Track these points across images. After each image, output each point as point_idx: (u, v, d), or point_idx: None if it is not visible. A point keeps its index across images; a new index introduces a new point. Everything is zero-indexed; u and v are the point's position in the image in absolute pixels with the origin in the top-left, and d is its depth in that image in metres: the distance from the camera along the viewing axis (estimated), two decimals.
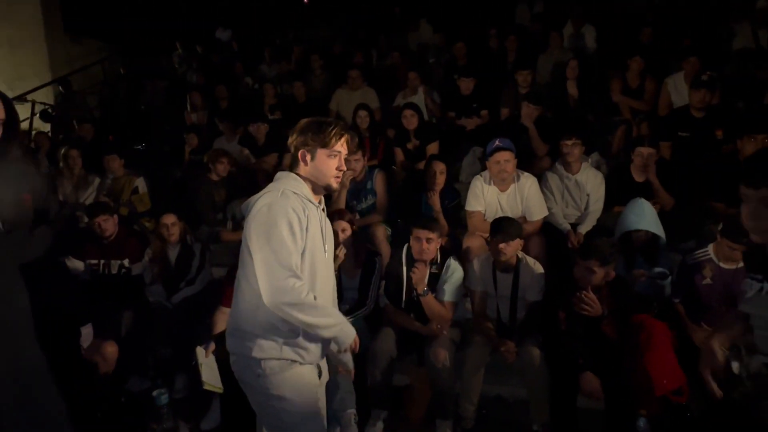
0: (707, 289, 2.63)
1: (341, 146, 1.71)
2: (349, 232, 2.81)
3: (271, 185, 1.72)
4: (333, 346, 1.79)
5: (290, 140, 1.74)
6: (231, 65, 7.13)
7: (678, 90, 4.24)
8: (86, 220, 3.63)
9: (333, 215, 2.39)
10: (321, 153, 1.68)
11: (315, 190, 1.73)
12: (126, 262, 3.51)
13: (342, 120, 5.09)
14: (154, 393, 2.93)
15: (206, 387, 2.64)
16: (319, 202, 1.76)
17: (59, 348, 1.89)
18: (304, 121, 1.74)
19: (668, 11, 5.95)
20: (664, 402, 2.35)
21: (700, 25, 5.50)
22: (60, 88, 7.22)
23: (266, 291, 1.57)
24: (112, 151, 4.73)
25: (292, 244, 1.59)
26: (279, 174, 1.75)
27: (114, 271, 3.49)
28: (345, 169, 1.76)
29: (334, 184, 1.73)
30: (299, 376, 1.70)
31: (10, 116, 1.68)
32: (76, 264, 3.47)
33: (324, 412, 1.84)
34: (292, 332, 1.66)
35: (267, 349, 1.66)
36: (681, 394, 2.36)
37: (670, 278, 2.76)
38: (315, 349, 1.72)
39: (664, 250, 2.89)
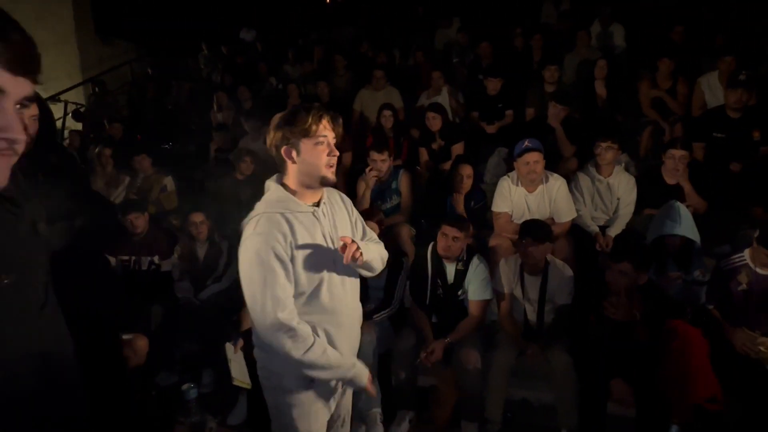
0: (743, 295, 2.55)
1: (325, 129, 1.50)
2: (377, 233, 2.81)
3: (258, 203, 1.56)
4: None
5: (268, 141, 1.54)
6: (255, 66, 7.21)
7: (712, 90, 4.12)
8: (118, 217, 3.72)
9: (362, 215, 2.36)
10: (305, 143, 1.49)
11: (309, 187, 1.54)
12: (156, 258, 3.59)
13: (366, 119, 5.18)
14: (183, 387, 2.96)
15: (235, 383, 2.68)
16: (320, 201, 1.58)
17: (100, 341, 1.93)
18: (276, 116, 1.55)
19: (700, 8, 5.78)
20: (698, 410, 2.29)
21: (734, 22, 5.34)
22: (95, 88, 7.43)
23: (258, 324, 1.49)
24: (141, 151, 4.84)
25: (278, 286, 1.45)
26: (266, 186, 1.58)
27: (144, 267, 3.56)
28: (337, 154, 1.54)
29: (330, 175, 1.53)
30: (314, 397, 1.61)
31: (44, 112, 1.71)
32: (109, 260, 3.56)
33: (343, 420, 1.79)
34: None
35: (284, 364, 1.56)
36: (715, 402, 2.29)
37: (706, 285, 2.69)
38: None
39: (699, 255, 2.81)
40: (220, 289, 3.54)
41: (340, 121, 1.55)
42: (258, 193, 1.64)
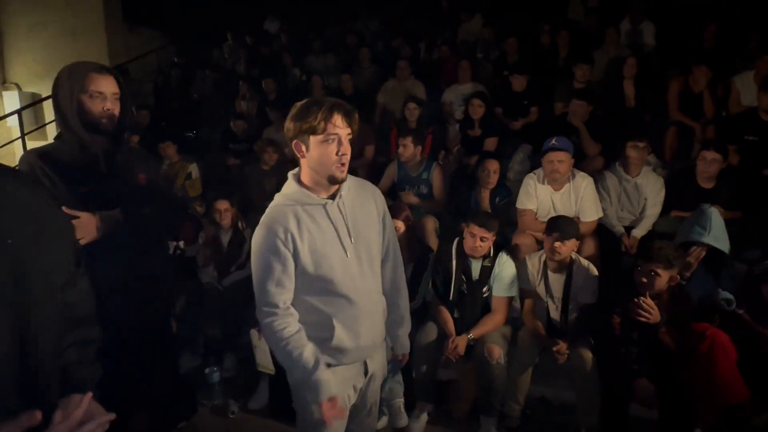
0: None
1: (336, 127, 1.45)
2: (402, 230, 2.83)
3: (276, 195, 1.59)
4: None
5: (285, 130, 1.52)
6: (279, 57, 7.25)
7: (746, 89, 4.03)
8: None
9: (392, 207, 2.36)
10: (314, 140, 1.45)
11: (320, 183, 1.52)
12: (181, 243, 3.66)
13: (390, 112, 5.19)
14: (207, 371, 3.05)
15: (260, 368, 2.73)
16: (335, 193, 1.55)
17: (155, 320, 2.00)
18: (295, 105, 1.51)
19: (734, 6, 5.62)
20: (724, 415, 2.26)
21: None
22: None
23: (259, 315, 1.54)
24: (166, 138, 4.92)
25: (271, 280, 1.48)
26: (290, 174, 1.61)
27: (170, 251, 3.63)
28: (348, 152, 1.49)
29: (338, 173, 1.49)
30: (329, 384, 1.56)
31: (123, 92, 1.77)
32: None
33: (369, 410, 1.80)
34: (326, 340, 1.57)
35: None
36: (743, 408, 2.26)
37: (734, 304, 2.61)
38: (354, 350, 1.61)
39: (729, 263, 2.74)
40: (244, 276, 3.59)
41: (356, 116, 1.51)
42: (282, 183, 1.68)
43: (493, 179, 3.40)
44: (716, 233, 2.69)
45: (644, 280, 2.32)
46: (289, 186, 1.56)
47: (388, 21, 7.72)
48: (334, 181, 1.52)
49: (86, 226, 1.62)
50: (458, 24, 6.71)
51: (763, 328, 2.42)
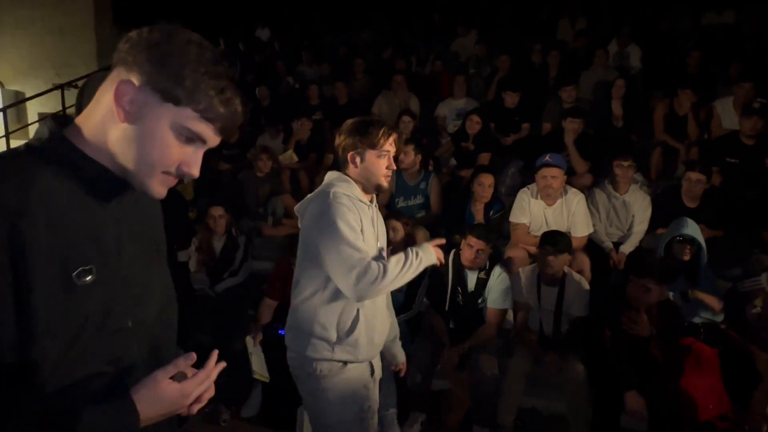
0: (757, 318, 2.61)
1: (390, 146, 1.69)
2: (401, 233, 2.87)
3: (321, 188, 1.72)
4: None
5: (337, 142, 1.73)
6: (272, 64, 7.27)
7: (726, 115, 4.21)
8: None
9: (388, 215, 2.43)
10: (370, 154, 1.67)
11: (366, 189, 1.73)
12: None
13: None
14: None
15: (255, 376, 2.72)
16: (371, 200, 1.76)
17: None
18: (350, 121, 1.73)
19: (716, 34, 5.89)
20: (708, 428, 2.34)
21: (748, 50, 5.44)
22: None
23: (350, 288, 1.58)
24: None
25: (355, 237, 1.61)
26: (329, 175, 1.75)
27: (175, 256, 3.59)
28: (395, 168, 1.75)
29: (385, 183, 1.73)
30: (348, 382, 1.70)
31: None
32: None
33: (373, 412, 1.83)
34: (347, 333, 1.67)
35: (320, 349, 1.67)
36: (727, 420, 2.35)
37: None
38: (367, 346, 1.72)
39: (707, 272, 2.86)
40: (236, 283, 3.58)
41: (404, 138, 1.71)
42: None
43: (488, 193, 3.47)
44: (695, 231, 2.82)
45: (638, 294, 2.40)
46: (351, 186, 1.70)
47: (380, 32, 7.83)
48: (380, 189, 1.75)
49: None
50: (451, 39, 6.85)
51: (747, 343, 2.52)
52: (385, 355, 2.02)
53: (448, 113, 5.14)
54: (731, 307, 2.69)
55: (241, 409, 2.95)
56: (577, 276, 2.81)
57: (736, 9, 5.99)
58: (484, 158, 4.20)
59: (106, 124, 0.80)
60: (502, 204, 3.61)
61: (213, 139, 0.82)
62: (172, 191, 2.10)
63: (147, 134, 0.78)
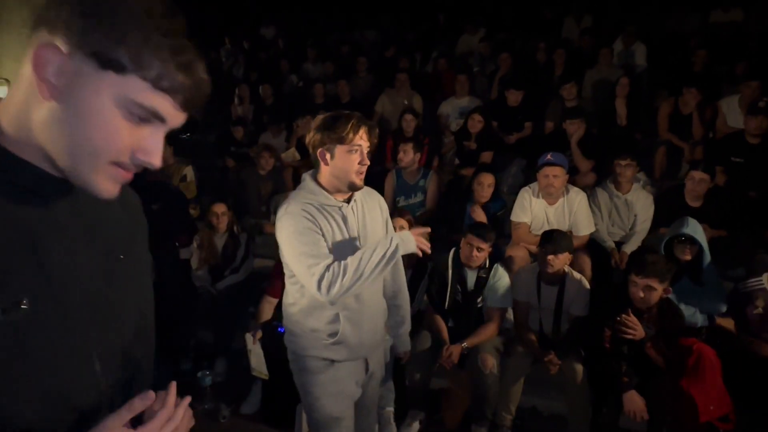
0: (759, 319, 2.59)
1: (361, 139, 1.61)
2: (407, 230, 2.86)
3: (292, 192, 1.70)
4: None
5: (307, 139, 1.67)
6: (277, 62, 7.28)
7: (731, 113, 4.17)
8: None
9: (393, 213, 2.42)
10: (340, 150, 1.59)
11: (338, 189, 1.65)
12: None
13: (386, 121, 5.25)
14: (199, 374, 3.00)
15: (254, 373, 2.73)
16: (349, 199, 1.68)
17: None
18: (319, 117, 1.66)
19: (723, 33, 5.83)
20: (709, 428, 2.32)
21: (756, 48, 5.38)
22: None
23: (318, 294, 1.55)
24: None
25: (310, 247, 1.55)
26: (302, 177, 1.72)
27: (177, 254, 3.61)
28: (368, 163, 1.64)
29: (358, 181, 1.63)
30: (338, 379, 1.70)
31: None
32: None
33: (368, 409, 1.88)
34: (332, 335, 1.67)
35: (308, 347, 1.70)
36: (728, 421, 2.33)
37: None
38: (357, 346, 1.72)
39: (712, 273, 2.83)
40: (237, 280, 3.59)
41: (377, 132, 1.68)
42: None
43: (488, 192, 3.46)
44: (698, 232, 2.78)
45: (641, 295, 2.38)
46: (309, 185, 1.66)
47: (384, 31, 7.82)
48: (353, 187, 1.64)
49: None
50: (455, 37, 6.83)
51: (751, 339, 2.50)
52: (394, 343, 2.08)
53: (451, 112, 5.13)
54: (733, 307, 2.67)
55: (241, 406, 2.96)
56: (577, 275, 2.79)
57: (744, 7, 5.92)
58: (487, 157, 4.19)
59: (29, 106, 0.61)
60: (503, 203, 3.60)
61: (174, 116, 0.65)
62: (171, 189, 2.10)
63: (84, 115, 0.60)
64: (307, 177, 1.69)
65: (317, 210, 1.61)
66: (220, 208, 3.62)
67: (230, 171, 5.00)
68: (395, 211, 2.86)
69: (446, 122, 5.13)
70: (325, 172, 1.65)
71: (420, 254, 1.64)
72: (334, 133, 1.59)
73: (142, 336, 0.78)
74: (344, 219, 1.65)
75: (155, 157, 0.65)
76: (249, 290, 3.58)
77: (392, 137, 4.67)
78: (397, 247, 1.56)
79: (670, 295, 2.54)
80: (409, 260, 2.94)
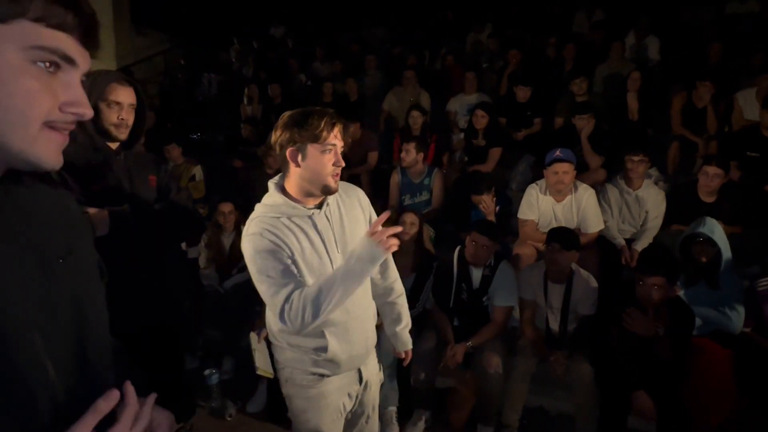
0: None
1: (335, 138, 1.44)
2: (416, 228, 2.84)
3: (257, 205, 1.54)
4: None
5: (273, 138, 1.47)
6: (285, 62, 7.31)
7: (748, 106, 4.06)
8: None
9: (402, 210, 2.37)
10: (312, 149, 1.42)
11: (310, 193, 1.47)
12: (183, 245, 3.67)
13: (394, 119, 5.23)
14: (206, 372, 3.06)
15: (259, 372, 2.73)
16: (320, 204, 1.51)
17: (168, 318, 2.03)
18: (286, 114, 1.47)
19: (738, 25, 5.68)
20: (720, 429, 2.26)
21: None
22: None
23: (282, 326, 1.41)
24: (171, 140, 4.95)
25: (272, 267, 1.41)
26: (268, 185, 1.55)
27: (183, 254, 3.65)
28: (343, 164, 1.48)
29: (333, 183, 1.46)
30: (323, 396, 1.59)
31: (141, 103, 1.82)
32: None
33: (368, 416, 1.77)
34: (320, 352, 1.55)
35: (294, 360, 1.59)
36: (739, 422, 2.27)
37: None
38: (347, 361, 1.60)
39: (731, 275, 2.73)
40: (244, 279, 3.59)
41: (351, 130, 1.55)
42: None
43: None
44: (718, 234, 2.68)
45: (648, 293, 2.33)
46: (273, 196, 1.49)
47: (393, 29, 7.80)
48: (328, 191, 1.47)
49: (96, 221, 1.65)
50: (464, 34, 6.78)
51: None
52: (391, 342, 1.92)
53: (459, 108, 5.09)
54: (750, 306, 2.59)
55: (247, 404, 2.97)
56: (584, 273, 2.74)
57: None
58: (496, 152, 4.14)
59: None
60: (508, 200, 3.55)
61: (81, 55, 0.62)
62: (177, 189, 2.07)
63: None
64: (271, 186, 1.52)
65: (283, 224, 1.44)
66: (227, 207, 3.65)
67: (239, 170, 5.03)
68: (403, 209, 2.82)
69: (455, 119, 5.09)
70: (294, 175, 1.46)
71: (392, 250, 1.41)
72: (306, 131, 1.41)
73: (95, 332, 0.75)
74: (315, 227, 1.48)
75: (83, 106, 0.63)
76: (256, 289, 3.59)
77: (399, 135, 4.65)
78: (359, 262, 1.37)
79: (680, 293, 2.48)
80: (415, 258, 2.93)
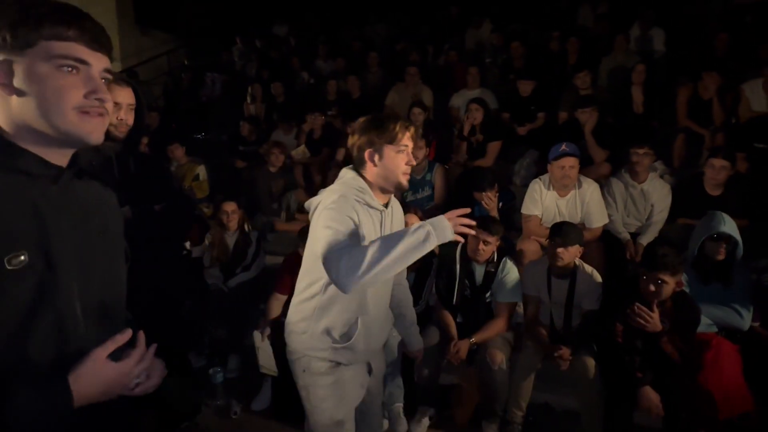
0: None
1: (408, 140, 1.61)
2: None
3: (334, 185, 1.66)
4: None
5: (351, 141, 1.64)
6: (288, 60, 7.30)
7: (755, 97, 4.00)
8: None
9: (404, 208, 2.38)
10: (389, 150, 1.59)
11: (384, 190, 1.65)
12: (187, 244, 3.68)
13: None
14: (211, 371, 3.07)
15: (263, 370, 2.74)
16: (387, 204, 1.67)
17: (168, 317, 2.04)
18: (363, 119, 1.65)
19: (744, 16, 5.59)
20: (728, 426, 2.24)
21: None
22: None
23: (337, 277, 1.42)
24: (175, 140, 4.97)
25: (347, 232, 1.48)
26: (343, 172, 1.68)
27: (183, 252, 3.65)
28: (414, 163, 1.66)
29: (404, 181, 1.63)
30: (342, 382, 1.67)
31: (140, 103, 1.83)
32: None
33: (377, 407, 1.87)
34: (344, 338, 1.64)
35: (315, 349, 1.65)
36: (748, 419, 2.24)
37: None
38: (364, 351, 1.70)
39: (741, 268, 2.67)
40: (248, 278, 3.62)
41: (421, 133, 1.65)
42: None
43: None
44: (732, 228, 2.62)
45: (652, 288, 2.30)
46: (357, 181, 1.62)
47: (396, 25, 7.76)
48: (400, 187, 1.64)
49: None
50: (466, 30, 6.73)
51: None
52: (403, 342, 2.09)
53: (462, 104, 5.05)
54: (760, 302, 2.55)
55: (252, 403, 2.98)
56: (588, 268, 2.72)
57: None
58: (495, 146, 4.10)
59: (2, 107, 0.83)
60: (512, 195, 3.53)
61: (92, 56, 0.84)
62: (177, 189, 2.09)
63: (35, 91, 0.81)
64: (353, 173, 1.64)
65: (363, 208, 1.59)
66: (230, 206, 3.65)
67: (242, 169, 5.04)
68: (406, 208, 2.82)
69: (458, 115, 5.06)
70: (371, 172, 1.62)
71: (461, 240, 1.46)
72: (384, 133, 1.59)
73: (115, 294, 1.00)
74: (381, 223, 1.64)
75: (102, 92, 0.86)
76: (260, 287, 3.60)
77: None
78: (428, 235, 1.37)
79: (685, 288, 2.45)
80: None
